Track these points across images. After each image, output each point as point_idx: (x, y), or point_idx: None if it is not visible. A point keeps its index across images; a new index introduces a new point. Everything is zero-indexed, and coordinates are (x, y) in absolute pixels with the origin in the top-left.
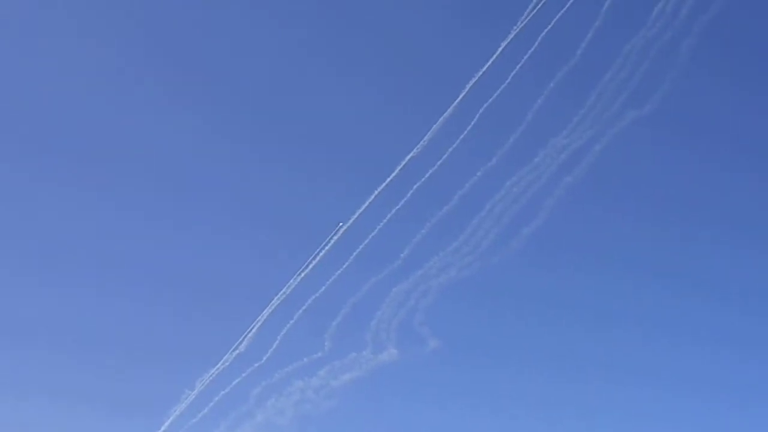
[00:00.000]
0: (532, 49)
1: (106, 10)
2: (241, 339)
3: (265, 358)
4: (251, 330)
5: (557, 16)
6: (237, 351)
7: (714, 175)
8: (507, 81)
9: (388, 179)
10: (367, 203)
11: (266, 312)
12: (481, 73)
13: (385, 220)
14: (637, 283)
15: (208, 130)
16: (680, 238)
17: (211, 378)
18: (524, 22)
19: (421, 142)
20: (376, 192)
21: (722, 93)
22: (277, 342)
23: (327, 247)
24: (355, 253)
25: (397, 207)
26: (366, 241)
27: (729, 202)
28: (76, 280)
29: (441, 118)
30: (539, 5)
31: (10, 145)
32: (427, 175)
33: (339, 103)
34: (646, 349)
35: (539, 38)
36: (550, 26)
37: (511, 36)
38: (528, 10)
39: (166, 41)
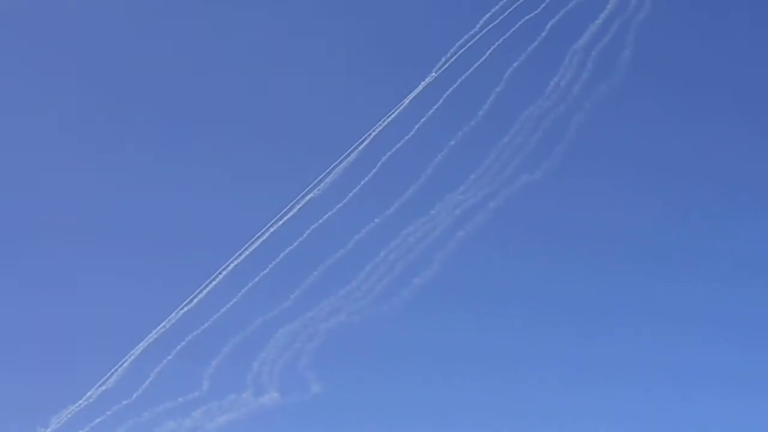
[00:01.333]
0: (437, 105)
1: None
2: (109, 374)
3: (134, 396)
4: (122, 365)
5: (462, 77)
6: (103, 387)
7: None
8: (411, 133)
9: (285, 218)
10: (260, 240)
11: (141, 346)
12: (385, 123)
13: (277, 260)
14: (531, 333)
15: None
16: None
17: (69, 416)
18: (431, 79)
19: (322, 183)
20: (270, 230)
21: (611, 163)
22: (150, 379)
23: (214, 282)
24: (243, 290)
25: (291, 247)
26: (256, 279)
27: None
28: None
29: (344, 162)
30: (447, 63)
31: None
32: (324, 217)
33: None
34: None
35: (444, 95)
36: (455, 85)
37: (419, 89)
38: (437, 66)
39: None
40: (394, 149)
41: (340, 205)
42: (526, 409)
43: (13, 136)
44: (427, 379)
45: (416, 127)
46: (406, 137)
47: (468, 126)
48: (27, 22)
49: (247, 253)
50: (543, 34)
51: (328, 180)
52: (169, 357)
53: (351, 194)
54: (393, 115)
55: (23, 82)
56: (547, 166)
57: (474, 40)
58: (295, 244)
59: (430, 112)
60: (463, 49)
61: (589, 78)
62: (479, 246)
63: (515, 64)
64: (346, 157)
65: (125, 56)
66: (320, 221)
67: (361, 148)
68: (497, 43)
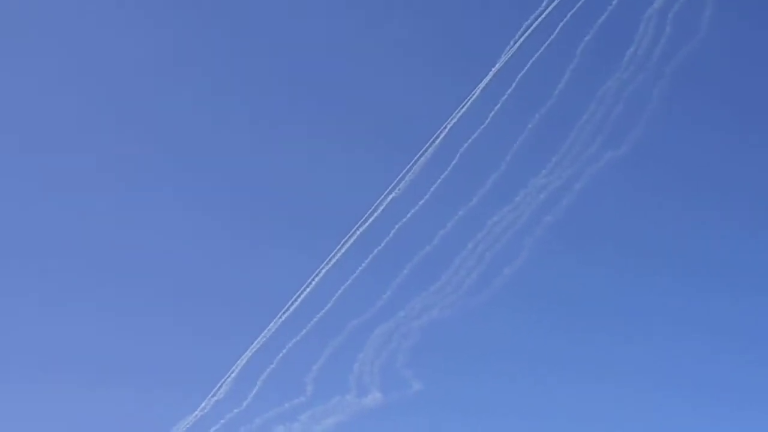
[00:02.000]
0: (510, 89)
1: None
2: (219, 385)
3: (244, 404)
4: (229, 376)
5: (533, 58)
6: (215, 397)
7: (689, 216)
8: (486, 121)
9: (369, 220)
10: (347, 244)
11: (245, 357)
12: (458, 115)
13: (366, 261)
14: (622, 324)
15: None
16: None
17: (187, 426)
18: (501, 64)
19: (402, 183)
20: (357, 232)
21: (697, 133)
22: (256, 387)
23: (306, 290)
24: (336, 295)
25: (379, 248)
26: (347, 283)
27: (707, 242)
28: None
29: (421, 159)
30: (515, 47)
31: None
32: (408, 215)
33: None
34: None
35: (516, 79)
36: (526, 68)
37: (488, 77)
38: (505, 52)
39: None
40: (471, 139)
41: (422, 201)
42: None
43: None
44: (525, 370)
45: (491, 114)
46: (482, 126)
47: (544, 107)
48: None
49: (336, 258)
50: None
51: (408, 178)
52: (272, 365)
53: (432, 189)
54: (467, 105)
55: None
56: (631, 139)
57: (540, 19)
58: (383, 244)
59: (504, 97)
60: (530, 30)
61: (668, 43)
62: (568, 230)
63: (587, 38)
64: (423, 153)
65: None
66: (404, 219)
67: (437, 142)
68: (565, 19)
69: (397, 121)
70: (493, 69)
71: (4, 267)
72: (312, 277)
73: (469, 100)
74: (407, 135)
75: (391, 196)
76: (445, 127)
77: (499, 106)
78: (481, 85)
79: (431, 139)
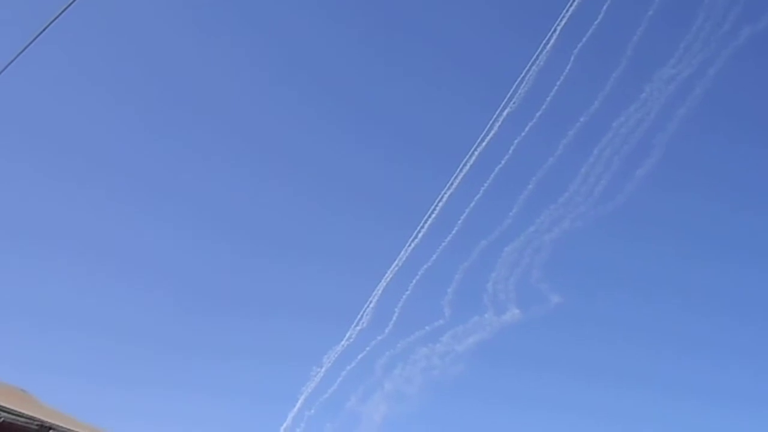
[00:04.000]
0: None
1: None
2: (360, 315)
3: (386, 331)
4: (369, 305)
5: None
6: (358, 327)
7: None
8: (599, 18)
9: (488, 138)
10: (468, 165)
11: (381, 286)
12: (567, 12)
13: (489, 180)
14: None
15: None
16: None
17: (337, 354)
18: None
19: (516, 96)
20: (476, 152)
21: None
22: (396, 314)
23: (432, 217)
24: (462, 217)
25: (500, 165)
26: (471, 204)
27: None
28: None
29: (533, 68)
30: None
31: None
32: (526, 129)
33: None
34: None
35: None
36: None
37: None
38: None
39: None
40: (584, 40)
41: (539, 113)
42: None
43: None
44: (665, 270)
45: (604, 8)
46: (596, 22)
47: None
48: None
49: (458, 180)
50: None
51: (521, 91)
52: (408, 292)
53: (549, 98)
54: (572, 6)
55: None
56: None
57: None
58: (503, 161)
59: None
60: None
61: None
62: (705, 121)
63: None
64: (534, 62)
65: None
66: (523, 134)
67: (547, 48)
68: None
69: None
70: None
71: None
72: (435, 204)
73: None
74: (516, 41)
75: (506, 112)
76: (562, 20)
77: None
78: None
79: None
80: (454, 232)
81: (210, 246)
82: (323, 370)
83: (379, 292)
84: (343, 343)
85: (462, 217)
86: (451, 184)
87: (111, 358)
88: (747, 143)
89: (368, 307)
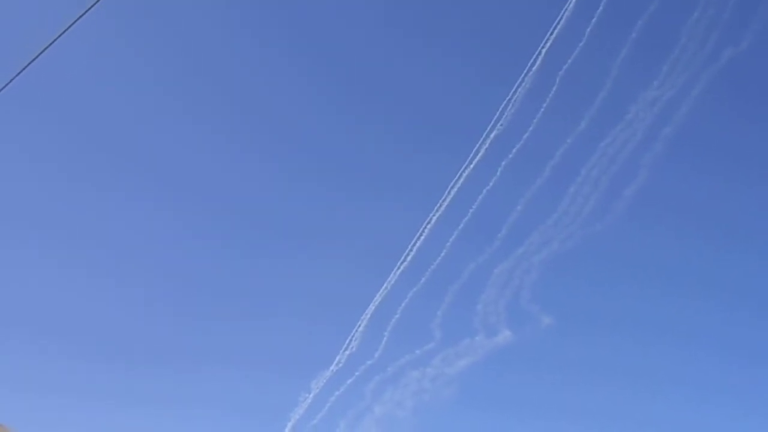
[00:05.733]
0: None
1: None
2: (350, 338)
3: (376, 355)
4: (358, 329)
5: None
6: (347, 351)
7: None
8: (582, 41)
9: (476, 159)
10: (456, 186)
11: (370, 309)
12: (552, 35)
13: (477, 202)
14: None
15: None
16: None
17: (325, 379)
18: None
19: (504, 116)
20: (464, 174)
21: None
22: (385, 338)
23: (421, 238)
24: (451, 239)
25: (488, 187)
26: (460, 226)
27: None
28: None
29: (519, 89)
30: None
31: None
32: (513, 151)
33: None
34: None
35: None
36: None
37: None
38: None
39: None
40: (569, 62)
41: (526, 134)
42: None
43: None
44: (658, 291)
45: (587, 30)
46: (580, 45)
47: (647, 13)
48: None
49: (446, 203)
50: None
51: (508, 112)
52: (397, 315)
53: (536, 119)
54: (558, 27)
55: None
56: (754, 30)
57: None
58: (491, 183)
59: (599, 9)
60: None
61: None
62: (688, 141)
63: None
64: (520, 85)
65: None
66: (510, 155)
67: (533, 69)
68: None
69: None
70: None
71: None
72: (424, 225)
73: (563, 14)
74: (503, 65)
75: (493, 134)
76: (543, 47)
77: (595, 20)
78: (569, 5)
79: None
80: (442, 254)
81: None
82: (311, 395)
83: (368, 315)
84: (332, 368)
85: (450, 240)
86: (439, 207)
87: (60, 368)
88: (729, 162)
89: (357, 331)
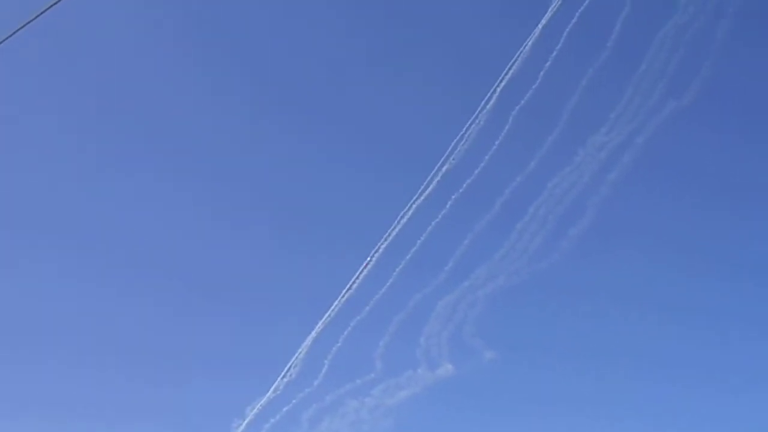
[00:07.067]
0: (559, 45)
1: None
2: (289, 365)
3: (315, 383)
4: (298, 356)
5: (580, 9)
6: (286, 378)
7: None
8: (537, 81)
9: (426, 191)
10: (405, 218)
11: (311, 336)
12: (507, 75)
13: (425, 234)
14: (695, 274)
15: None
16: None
17: (261, 406)
18: (548, 19)
19: (455, 152)
20: (413, 206)
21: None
22: (325, 366)
23: (368, 267)
24: (397, 270)
25: (437, 219)
26: (408, 257)
27: None
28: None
29: (473, 126)
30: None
31: None
32: (464, 185)
33: (372, 107)
34: (719, 345)
35: (565, 32)
36: (574, 20)
37: (535, 35)
38: (551, 8)
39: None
40: (522, 102)
41: (478, 170)
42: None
43: None
44: (599, 327)
45: (541, 73)
46: (534, 86)
47: (599, 59)
48: None
49: (395, 232)
50: None
51: (461, 147)
52: (339, 344)
53: (488, 156)
54: (514, 66)
55: None
56: (694, 88)
57: None
58: (440, 217)
59: (554, 54)
60: None
61: None
62: (633, 186)
63: None
64: (474, 121)
65: None
66: (461, 190)
67: (487, 107)
68: None
69: (449, 86)
70: (537, 27)
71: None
72: (372, 254)
73: (519, 56)
74: (458, 101)
75: (445, 168)
76: (496, 89)
77: (549, 63)
78: (529, 41)
79: (481, 104)
80: (388, 284)
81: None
82: (245, 422)
83: (309, 342)
84: (268, 394)
85: (397, 270)
86: (387, 236)
87: None
88: (673, 205)
89: (298, 357)
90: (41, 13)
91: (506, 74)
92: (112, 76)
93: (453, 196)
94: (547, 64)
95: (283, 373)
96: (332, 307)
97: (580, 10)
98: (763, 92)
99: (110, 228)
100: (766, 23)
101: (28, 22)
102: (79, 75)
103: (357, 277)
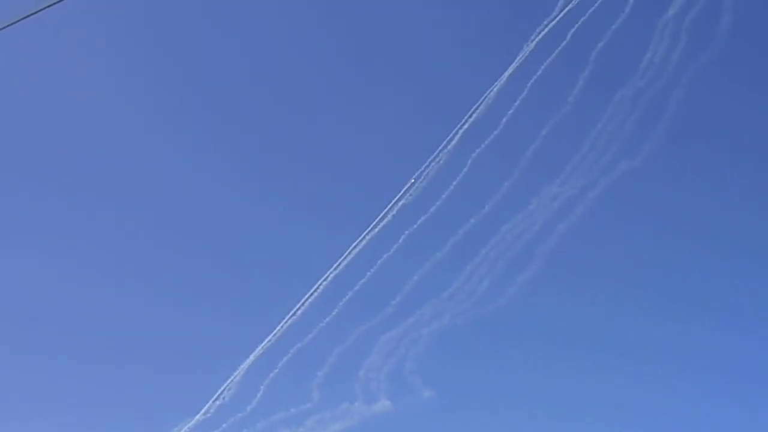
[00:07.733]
0: (522, 95)
1: None
2: (223, 388)
3: (248, 408)
4: (234, 379)
5: (545, 63)
6: (218, 401)
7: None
8: (499, 128)
9: (380, 225)
10: (357, 249)
11: (249, 361)
12: (471, 117)
13: (375, 267)
14: (633, 322)
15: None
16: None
17: (189, 428)
18: (513, 68)
19: (413, 188)
20: (366, 238)
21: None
22: (260, 392)
23: (315, 294)
24: (343, 301)
25: (389, 253)
26: (355, 288)
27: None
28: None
29: (432, 164)
30: (527, 53)
31: None
32: (418, 222)
33: (332, 143)
34: (650, 388)
35: (529, 84)
36: (539, 73)
37: (502, 80)
38: (518, 57)
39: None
40: (483, 146)
41: (433, 208)
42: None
43: None
44: (537, 372)
45: (504, 120)
46: (495, 132)
47: (558, 114)
48: None
49: (345, 263)
50: (626, 10)
51: (418, 184)
52: (276, 370)
53: (444, 196)
54: (478, 110)
55: None
56: (648, 149)
57: (552, 24)
58: (392, 251)
59: (516, 103)
60: (541, 35)
61: (685, 50)
62: (582, 238)
63: (600, 45)
64: (434, 160)
65: None
66: (415, 226)
67: (449, 148)
68: (576, 25)
69: (412, 122)
70: (505, 73)
71: None
72: (319, 283)
73: (481, 103)
74: (420, 137)
75: (401, 202)
76: (458, 131)
77: (512, 111)
78: (495, 87)
79: (441, 146)
80: (332, 315)
81: None
82: None
83: (246, 366)
84: (197, 416)
85: (342, 301)
86: (337, 266)
87: None
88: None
89: (233, 381)
90: None
91: (470, 116)
92: None
93: (407, 232)
94: (510, 111)
95: (215, 396)
96: (273, 333)
97: (544, 65)
98: (712, 154)
99: None
100: (718, 93)
101: None
102: None
103: (301, 305)
